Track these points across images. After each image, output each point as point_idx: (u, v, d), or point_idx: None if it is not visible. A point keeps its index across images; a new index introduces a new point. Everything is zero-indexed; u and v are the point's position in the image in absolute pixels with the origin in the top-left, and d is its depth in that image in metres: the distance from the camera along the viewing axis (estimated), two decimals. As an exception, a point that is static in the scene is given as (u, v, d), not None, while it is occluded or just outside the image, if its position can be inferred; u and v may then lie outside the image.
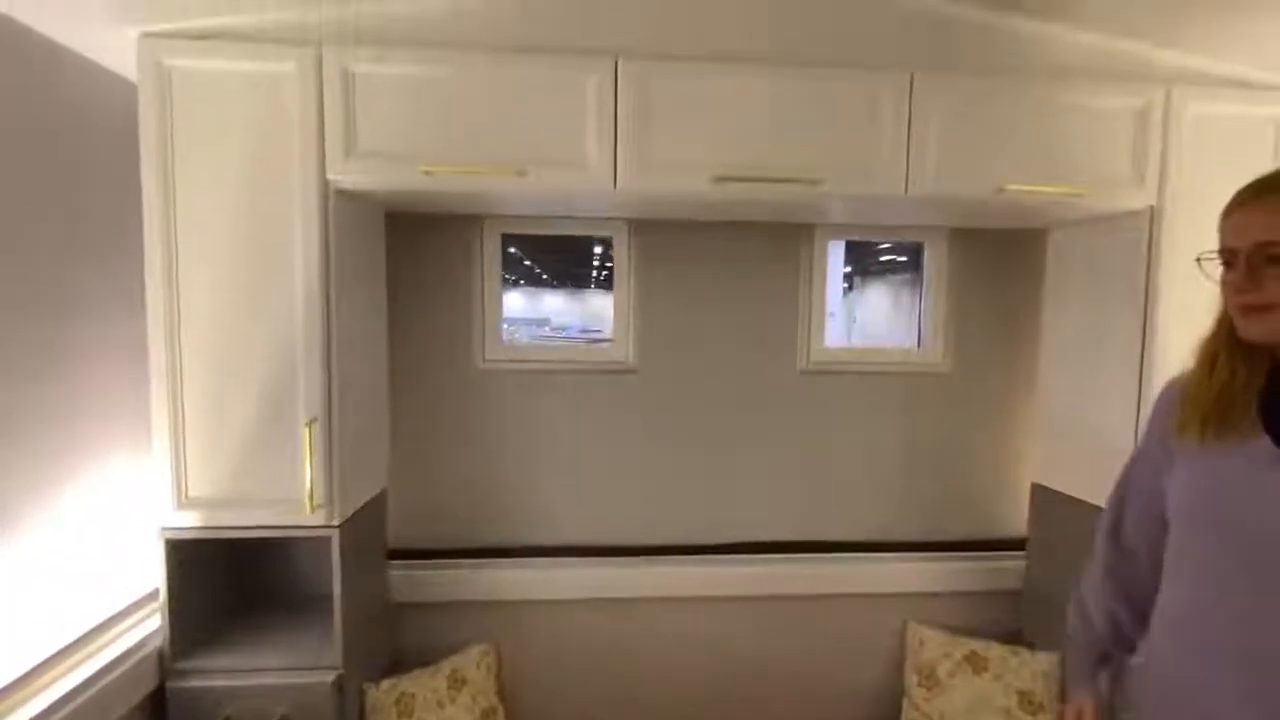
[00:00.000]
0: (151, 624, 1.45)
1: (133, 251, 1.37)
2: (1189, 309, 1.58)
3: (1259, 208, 0.85)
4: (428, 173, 1.39)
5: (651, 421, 1.92)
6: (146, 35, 1.31)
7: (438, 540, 1.89)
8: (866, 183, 1.48)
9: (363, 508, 1.59)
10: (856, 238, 2.02)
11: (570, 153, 1.42)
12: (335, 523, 1.43)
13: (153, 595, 1.46)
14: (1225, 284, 0.89)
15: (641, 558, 1.92)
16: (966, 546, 2.03)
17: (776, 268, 1.93)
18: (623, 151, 1.42)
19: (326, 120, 1.36)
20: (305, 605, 1.68)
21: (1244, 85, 1.53)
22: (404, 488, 1.85)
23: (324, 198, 1.38)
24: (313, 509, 1.39)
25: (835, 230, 1.95)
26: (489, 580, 1.84)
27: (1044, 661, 1.81)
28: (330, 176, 1.38)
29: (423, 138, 1.39)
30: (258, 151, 1.35)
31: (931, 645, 1.92)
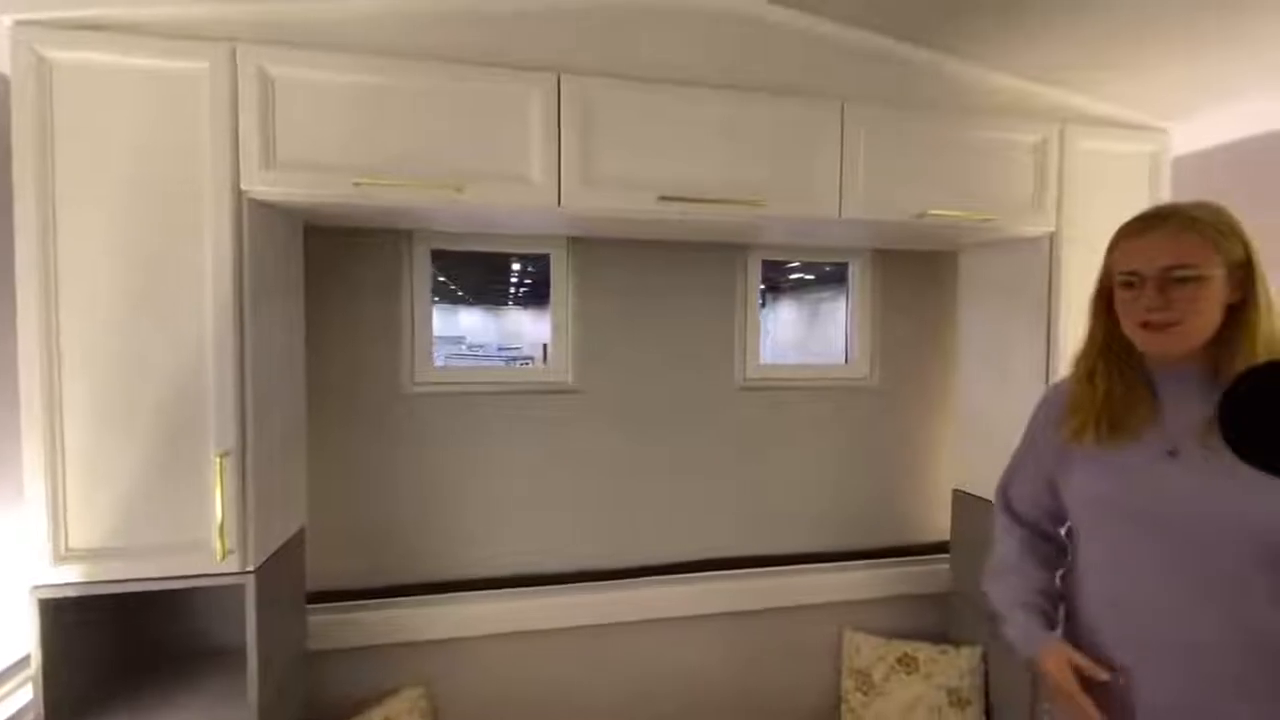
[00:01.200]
0: (21, 697, 1.24)
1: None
2: (1084, 324, 1.76)
3: (1165, 235, 0.93)
4: (358, 185, 1.30)
5: (593, 442, 1.89)
6: (20, 23, 1.15)
7: (363, 579, 1.76)
8: (804, 205, 1.53)
9: (279, 549, 1.44)
10: (790, 258, 2.09)
11: (512, 169, 1.37)
12: (250, 568, 1.29)
13: (23, 663, 1.25)
14: (1125, 303, 0.98)
15: (584, 584, 1.86)
16: (897, 553, 2.12)
17: (713, 286, 1.96)
18: (567, 169, 1.39)
19: (241, 126, 1.25)
20: (211, 661, 1.50)
21: (1125, 125, 1.72)
22: (324, 524, 1.71)
23: (237, 209, 1.25)
24: (224, 554, 1.25)
25: (769, 250, 2.00)
26: (420, 619, 1.73)
27: (968, 657, 1.91)
28: (245, 187, 1.26)
29: (352, 149, 1.31)
30: (158, 158, 1.21)
31: (866, 650, 1.98)
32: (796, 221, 1.57)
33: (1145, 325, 0.95)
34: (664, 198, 1.43)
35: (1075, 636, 1.05)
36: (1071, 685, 0.97)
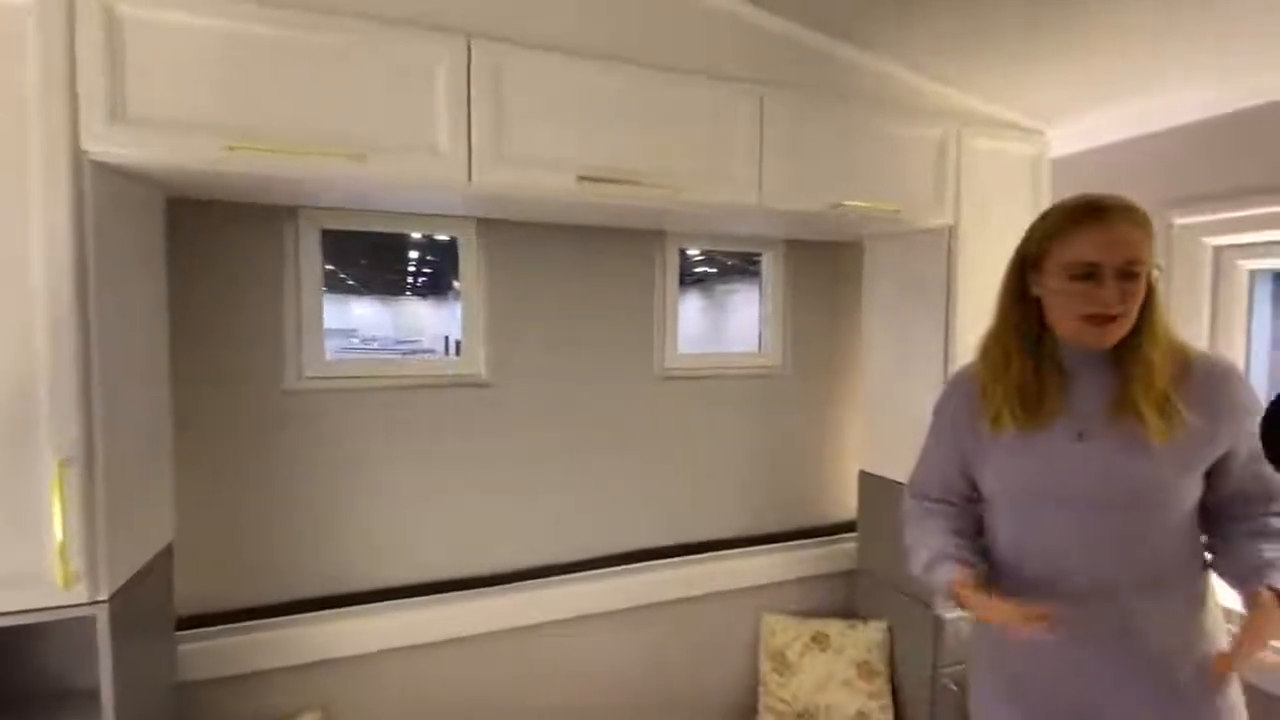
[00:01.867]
0: None
1: None
2: (979, 312, 1.87)
3: (1125, 228, 0.93)
4: (232, 150, 1.13)
5: (507, 438, 1.79)
6: None
7: (246, 598, 1.56)
8: (725, 192, 1.52)
9: (140, 571, 1.25)
10: (709, 247, 2.08)
11: (418, 139, 1.25)
12: (101, 597, 1.10)
13: None
14: (1074, 294, 0.95)
15: (497, 588, 1.77)
16: (809, 534, 2.18)
17: (631, 274, 1.92)
18: (479, 142, 1.29)
19: (80, 74, 1.05)
20: (66, 705, 1.27)
21: (1010, 127, 1.85)
22: (196, 539, 1.50)
23: (76, 174, 1.05)
24: (67, 583, 1.05)
25: (687, 239, 1.98)
26: (315, 637, 1.56)
27: (875, 630, 2.00)
28: (87, 147, 1.06)
29: (225, 106, 1.13)
30: (-34, 104, 0.99)
31: (782, 631, 2.03)
32: (717, 209, 1.56)
33: (1093, 318, 0.95)
34: (584, 178, 1.37)
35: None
36: (987, 600, 0.98)
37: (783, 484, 2.16)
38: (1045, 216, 1.03)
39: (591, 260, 1.86)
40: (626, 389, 1.92)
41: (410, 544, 1.71)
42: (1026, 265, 1.04)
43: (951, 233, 1.78)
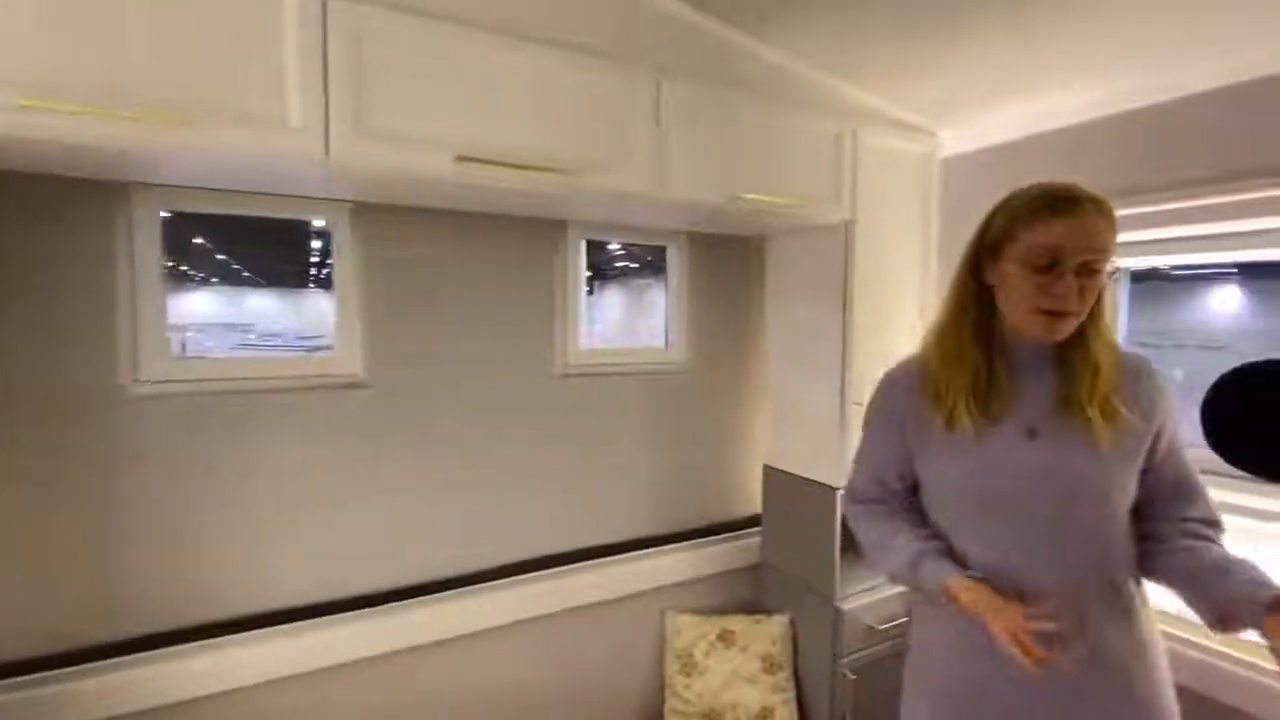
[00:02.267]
0: None
1: None
2: (875, 307, 1.91)
3: (1090, 219, 0.87)
4: (24, 109, 0.94)
5: (388, 444, 1.64)
6: None
7: (80, 637, 1.35)
8: (622, 179, 1.44)
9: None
10: (608, 238, 2.01)
11: (263, 105, 1.09)
12: None
13: None
14: (1032, 286, 0.90)
15: (383, 608, 1.62)
16: (715, 531, 2.16)
17: (529, 265, 1.81)
18: (336, 110, 1.15)
19: None
20: None
21: (904, 126, 1.88)
22: (11, 574, 1.28)
23: None
24: None
25: (589, 229, 1.90)
26: (168, 676, 1.36)
27: (778, 624, 2.01)
28: None
29: (14, 55, 0.94)
30: None
31: (688, 631, 1.99)
32: (613, 196, 1.48)
33: (1047, 313, 0.90)
34: (462, 158, 1.25)
35: None
36: (993, 599, 0.91)
37: (690, 481, 2.13)
38: (1009, 201, 0.96)
39: (485, 250, 1.74)
40: (524, 389, 1.82)
41: (280, 566, 1.53)
42: (983, 251, 0.98)
43: (849, 229, 1.79)
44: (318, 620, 1.53)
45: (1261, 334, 2.22)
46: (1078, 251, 0.88)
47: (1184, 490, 0.99)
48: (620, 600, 1.95)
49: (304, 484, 1.55)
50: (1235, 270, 2.10)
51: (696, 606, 2.07)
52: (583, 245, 1.89)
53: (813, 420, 1.93)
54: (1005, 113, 1.78)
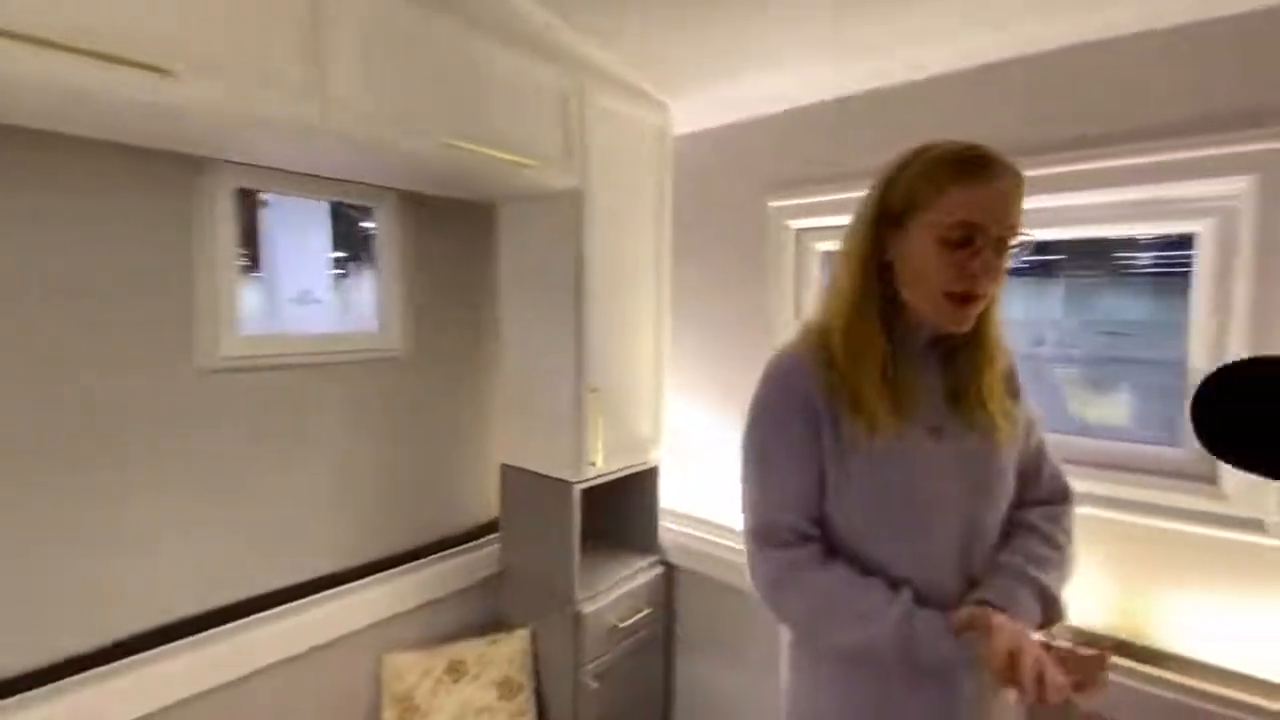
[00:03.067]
0: None
1: None
2: (612, 289, 1.78)
3: (1011, 187, 0.76)
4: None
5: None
6: None
7: None
8: (263, 96, 1.06)
9: None
10: (280, 190, 1.55)
11: None
12: None
13: None
14: (946, 263, 0.77)
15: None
16: (450, 543, 1.87)
17: (152, 219, 1.31)
18: None
19: None
20: None
21: (640, 93, 1.77)
22: None
23: None
24: None
25: (249, 173, 1.44)
26: None
27: (518, 639, 1.80)
28: None
29: None
30: None
31: (409, 671, 1.68)
32: (252, 121, 1.09)
33: (960, 296, 0.78)
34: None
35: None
36: (1020, 633, 0.74)
37: (414, 490, 1.80)
38: (911, 161, 0.82)
39: (76, 190, 1.20)
40: (146, 392, 1.30)
41: None
42: (884, 222, 0.83)
43: (580, 197, 1.63)
44: None
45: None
46: (995, 224, 0.76)
47: (1039, 468, 0.95)
48: (330, 646, 1.57)
49: None
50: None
51: (426, 636, 1.76)
52: (230, 195, 1.42)
53: (550, 411, 1.75)
54: (739, 87, 1.75)
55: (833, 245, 1.80)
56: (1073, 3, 1.21)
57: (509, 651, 1.77)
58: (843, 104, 1.69)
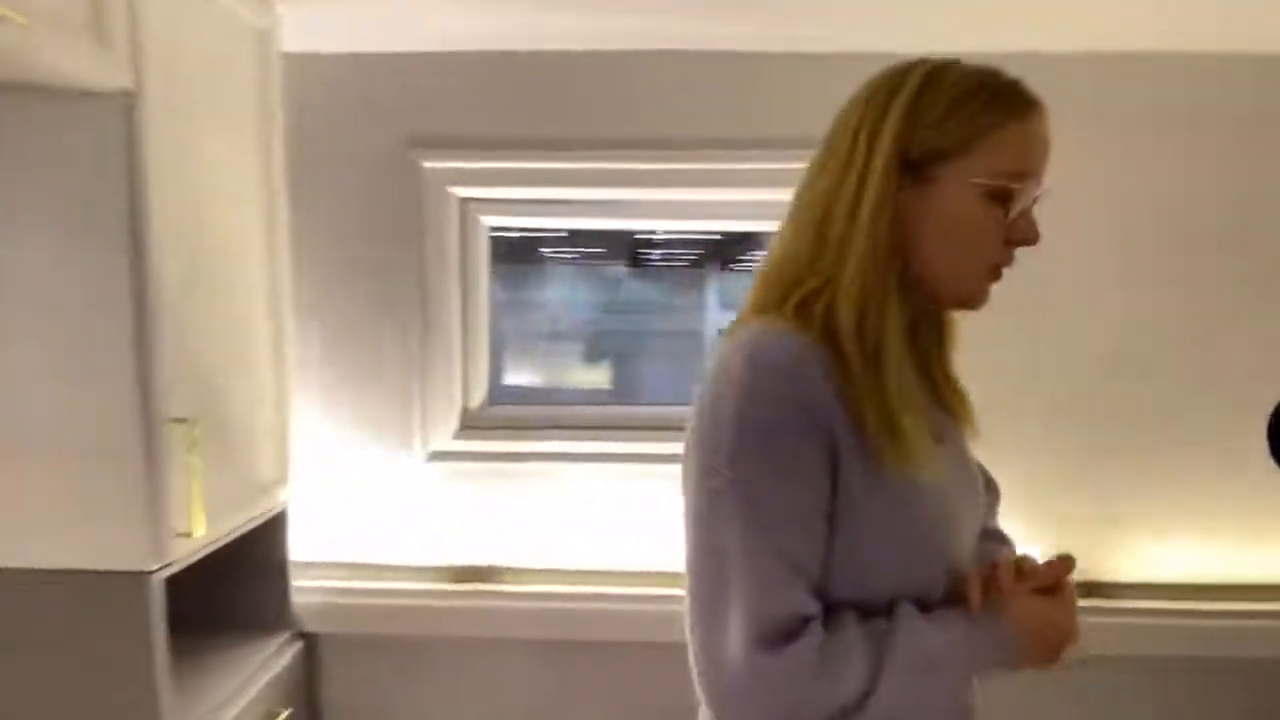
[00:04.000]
0: None
1: None
2: (192, 261, 1.18)
3: (1048, 129, 0.62)
4: None
5: None
6: None
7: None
8: None
9: None
10: None
11: None
12: None
13: None
14: (987, 224, 0.60)
15: None
16: None
17: None
18: None
19: None
20: None
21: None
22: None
23: None
24: None
25: None
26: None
27: None
28: None
29: None
30: None
31: None
32: None
33: (997, 270, 0.63)
34: None
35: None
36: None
37: None
38: (938, 85, 0.59)
39: None
40: None
41: None
42: (903, 168, 0.59)
43: (133, 106, 1.00)
44: None
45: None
46: (1042, 173, 0.62)
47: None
48: None
49: None
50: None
51: None
52: None
53: (90, 458, 1.05)
54: (368, 11, 1.35)
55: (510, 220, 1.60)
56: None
57: None
58: (508, 58, 1.49)
